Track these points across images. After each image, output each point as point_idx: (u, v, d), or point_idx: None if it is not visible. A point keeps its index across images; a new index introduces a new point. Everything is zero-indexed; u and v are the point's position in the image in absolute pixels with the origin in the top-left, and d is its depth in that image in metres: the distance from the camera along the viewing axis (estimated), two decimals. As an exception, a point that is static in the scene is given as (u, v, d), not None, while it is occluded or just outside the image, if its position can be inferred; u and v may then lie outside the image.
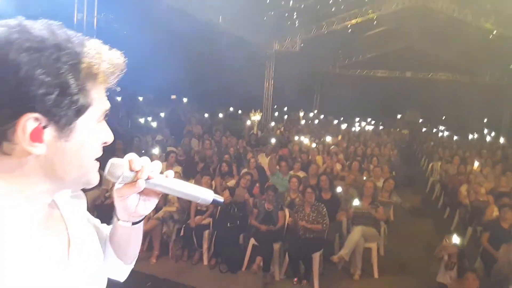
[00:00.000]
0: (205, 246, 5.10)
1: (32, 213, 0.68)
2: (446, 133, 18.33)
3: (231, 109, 15.48)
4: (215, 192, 0.82)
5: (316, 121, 18.06)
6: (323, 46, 16.14)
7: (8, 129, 0.62)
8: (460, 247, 4.50)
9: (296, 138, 10.75)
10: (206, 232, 5.12)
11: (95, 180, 0.75)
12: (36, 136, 0.63)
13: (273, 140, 9.61)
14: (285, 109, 19.82)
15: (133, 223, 0.89)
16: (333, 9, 12.62)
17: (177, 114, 11.84)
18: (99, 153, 0.74)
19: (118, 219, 0.88)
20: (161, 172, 0.82)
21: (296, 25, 13.50)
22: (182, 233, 5.12)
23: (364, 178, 6.99)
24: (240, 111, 15.13)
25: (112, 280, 0.97)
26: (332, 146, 9.55)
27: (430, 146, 13.57)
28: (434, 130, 19.72)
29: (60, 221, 0.77)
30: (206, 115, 13.18)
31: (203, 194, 0.81)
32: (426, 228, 7.15)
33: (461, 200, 7.03)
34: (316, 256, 4.71)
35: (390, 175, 7.95)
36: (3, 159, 0.64)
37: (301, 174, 6.73)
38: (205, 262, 5.08)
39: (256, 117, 11.15)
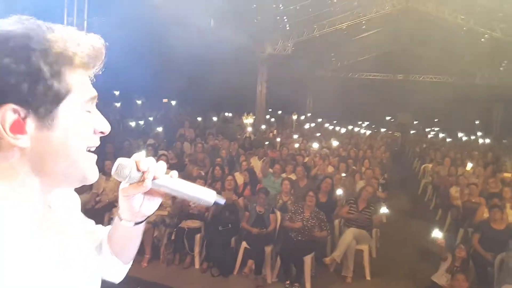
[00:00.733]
0: (196, 250, 5.07)
1: (25, 212, 0.66)
2: (438, 135, 18.50)
3: (224, 112, 15.48)
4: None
5: (310, 124, 18.11)
6: (315, 49, 16.25)
7: None
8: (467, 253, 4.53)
9: (288, 141, 10.78)
10: (198, 236, 5.10)
11: (91, 174, 0.73)
12: (17, 128, 0.61)
13: (265, 143, 9.61)
14: (279, 112, 19.85)
15: (135, 223, 0.90)
16: (324, 12, 12.71)
17: (169, 118, 11.79)
18: (93, 142, 0.72)
19: (121, 219, 0.89)
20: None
21: (287, 28, 13.58)
22: (173, 237, 5.09)
23: (358, 180, 7.05)
24: (232, 115, 15.12)
25: (105, 284, 0.95)
26: (323, 149, 9.58)
27: (422, 148, 13.66)
28: (426, 131, 19.88)
29: (54, 221, 0.74)
30: (199, 118, 13.16)
31: (205, 195, 0.82)
32: (418, 230, 7.17)
33: (452, 201, 7.08)
34: (308, 259, 4.70)
35: (381, 177, 8.02)
36: None
37: (293, 176, 6.73)
38: (197, 266, 5.05)
39: (248, 120, 11.15)
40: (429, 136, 18.60)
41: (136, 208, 0.85)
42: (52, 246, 0.70)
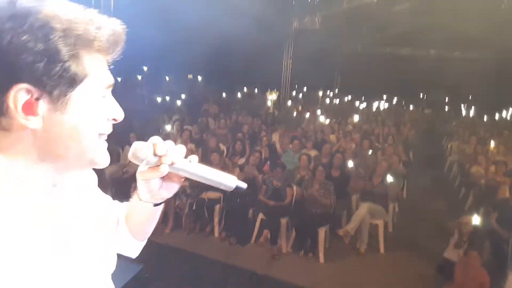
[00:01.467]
0: (216, 219, 5.33)
1: (35, 194, 0.66)
2: (471, 113, 17.79)
3: (249, 88, 15.52)
4: (226, 170, 0.89)
5: (337, 101, 17.86)
6: (344, 24, 15.78)
7: (1, 103, 0.59)
8: (474, 227, 4.56)
9: (313, 117, 10.76)
10: (217, 207, 5.35)
11: (101, 160, 0.72)
12: (29, 108, 0.60)
13: (289, 119, 9.68)
14: (305, 88, 19.64)
15: (155, 205, 0.90)
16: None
17: (194, 94, 12.01)
18: (106, 129, 0.71)
19: (140, 199, 0.88)
20: (185, 157, 0.81)
21: (316, 2, 13.26)
22: (194, 207, 5.37)
23: (380, 157, 7.05)
24: (257, 91, 15.15)
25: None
26: (348, 125, 9.53)
27: (451, 126, 13.26)
28: (459, 109, 19.14)
29: (64, 204, 0.73)
30: (223, 94, 13.30)
31: (226, 180, 0.80)
32: (439, 207, 7.14)
33: (475, 180, 6.96)
34: (322, 231, 4.86)
35: (404, 155, 7.95)
36: (3, 135, 0.63)
37: (313, 152, 6.82)
38: (216, 234, 5.33)
39: (273, 96, 11.18)
40: (462, 114, 17.92)
41: (154, 191, 0.85)
42: (60, 230, 0.69)
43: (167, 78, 13.85)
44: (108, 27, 0.67)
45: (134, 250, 1.04)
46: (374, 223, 5.20)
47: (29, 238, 0.62)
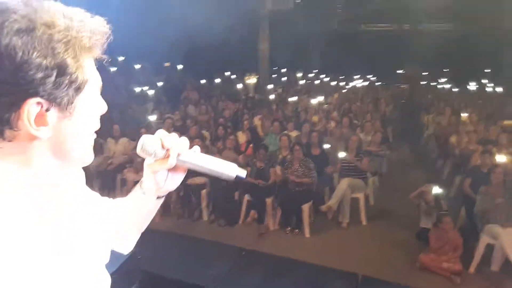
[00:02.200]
0: (203, 204, 5.46)
1: (38, 199, 0.67)
2: (447, 86, 18.22)
3: (228, 74, 15.47)
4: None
5: (316, 81, 18.00)
6: (318, 3, 15.81)
7: (10, 117, 0.60)
8: (436, 195, 4.82)
9: (293, 99, 10.89)
10: (204, 191, 5.47)
11: (90, 158, 0.74)
12: (40, 120, 0.62)
13: (270, 102, 9.78)
14: (283, 70, 19.69)
15: (158, 197, 0.93)
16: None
17: (172, 82, 11.93)
18: (98, 125, 0.74)
19: (144, 193, 0.91)
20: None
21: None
22: (181, 193, 5.47)
23: (358, 133, 7.25)
24: (236, 76, 15.12)
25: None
26: (326, 105, 9.71)
27: (428, 99, 13.62)
28: (435, 83, 19.56)
29: (63, 201, 0.74)
30: (202, 81, 13.24)
31: (227, 170, 0.84)
32: (418, 178, 7.44)
33: (450, 150, 7.26)
34: (306, 207, 5.05)
35: (382, 130, 8.19)
36: (5, 146, 0.63)
37: (294, 133, 6.97)
38: (205, 218, 5.47)
39: (251, 80, 11.22)
40: (438, 87, 18.35)
41: (161, 184, 0.88)
42: (60, 230, 0.70)
43: (143, 68, 13.67)
44: (98, 31, 0.68)
45: (128, 245, 1.04)
46: (355, 197, 5.43)
47: (29, 238, 0.62)
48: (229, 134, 6.51)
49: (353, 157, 5.54)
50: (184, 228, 5.25)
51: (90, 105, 0.69)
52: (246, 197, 5.32)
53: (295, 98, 10.82)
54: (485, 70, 19.78)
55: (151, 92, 10.24)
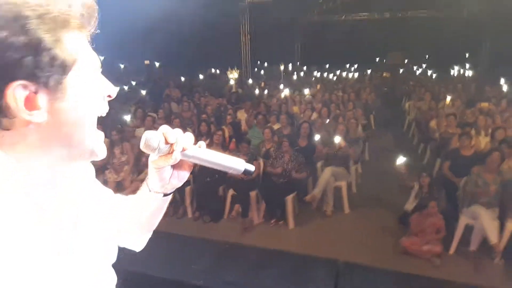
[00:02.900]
0: (187, 201, 5.46)
1: (38, 192, 0.65)
2: (427, 72, 18.46)
3: (210, 69, 15.39)
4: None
5: (299, 73, 18.02)
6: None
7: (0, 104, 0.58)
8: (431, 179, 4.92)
9: (276, 91, 10.90)
10: (188, 188, 5.46)
11: (100, 151, 0.72)
12: (30, 103, 0.60)
13: (253, 96, 9.77)
14: (266, 64, 19.66)
15: (164, 195, 0.91)
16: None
17: (153, 80, 11.82)
18: (103, 108, 0.72)
19: (150, 190, 0.89)
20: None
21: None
22: (165, 191, 5.44)
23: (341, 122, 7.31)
24: (219, 71, 15.05)
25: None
26: (308, 96, 9.76)
27: (409, 86, 13.79)
28: (416, 70, 19.81)
29: (68, 198, 0.73)
30: (182, 78, 13.14)
31: (235, 164, 0.83)
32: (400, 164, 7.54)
33: (431, 134, 7.39)
34: (290, 199, 5.09)
35: (364, 118, 8.29)
36: (5, 135, 0.61)
37: (277, 126, 6.99)
38: (190, 215, 5.47)
39: (233, 75, 11.19)
40: (418, 73, 18.58)
41: (166, 180, 0.86)
42: (63, 228, 0.69)
43: (122, 66, 13.50)
44: (80, 3, 0.65)
45: (139, 243, 1.04)
46: (338, 185, 5.49)
47: (31, 236, 0.61)
48: (212, 130, 6.49)
49: (344, 145, 5.60)
50: (169, 226, 5.24)
51: (87, 87, 0.66)
52: (231, 191, 5.33)
53: (278, 91, 10.84)
54: (465, 55, 20.11)
55: (132, 91, 10.14)
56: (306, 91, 10.29)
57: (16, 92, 0.58)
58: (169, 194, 0.92)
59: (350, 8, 20.09)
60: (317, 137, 6.22)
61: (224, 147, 6.07)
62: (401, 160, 4.95)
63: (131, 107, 8.67)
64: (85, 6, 0.66)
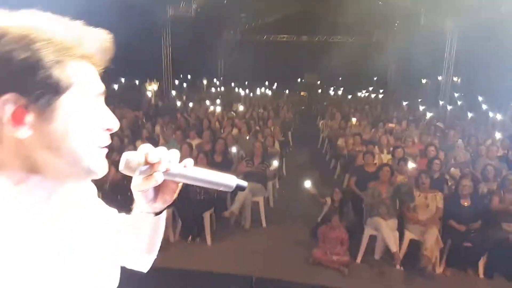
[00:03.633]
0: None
1: (24, 210, 0.63)
2: (340, 93, 20.03)
3: (129, 79, 14.80)
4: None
5: (221, 89, 18.23)
6: (220, 11, 16.07)
7: None
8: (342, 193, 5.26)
9: (197, 106, 10.85)
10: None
11: (98, 168, 0.69)
12: (17, 118, 0.59)
13: (174, 110, 9.59)
14: (189, 77, 19.55)
15: (156, 214, 0.86)
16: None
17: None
18: (102, 140, 0.69)
19: (141, 211, 0.85)
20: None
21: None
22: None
23: (260, 139, 7.51)
24: (138, 82, 14.54)
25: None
26: (231, 112, 9.90)
27: (323, 106, 14.78)
28: (330, 90, 21.34)
29: (61, 216, 0.71)
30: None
31: (225, 180, 0.77)
32: (314, 179, 7.96)
33: (340, 151, 7.96)
34: (207, 215, 5.03)
35: (281, 135, 8.63)
36: None
37: (196, 141, 6.92)
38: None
39: (152, 87, 10.88)
40: (332, 94, 20.04)
41: (152, 201, 0.81)
42: (55, 245, 0.67)
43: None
44: (90, 34, 0.67)
45: (144, 264, 0.99)
46: (256, 201, 5.59)
47: (23, 252, 0.60)
48: (126, 144, 6.18)
49: (258, 164, 5.71)
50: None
51: (80, 113, 0.65)
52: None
53: (199, 105, 10.80)
54: (374, 78, 22.27)
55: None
56: (229, 107, 10.42)
57: (6, 105, 0.58)
58: (161, 212, 0.87)
59: (271, 30, 21.09)
60: (234, 153, 6.30)
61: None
62: (308, 184, 5.26)
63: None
64: (97, 38, 0.69)
